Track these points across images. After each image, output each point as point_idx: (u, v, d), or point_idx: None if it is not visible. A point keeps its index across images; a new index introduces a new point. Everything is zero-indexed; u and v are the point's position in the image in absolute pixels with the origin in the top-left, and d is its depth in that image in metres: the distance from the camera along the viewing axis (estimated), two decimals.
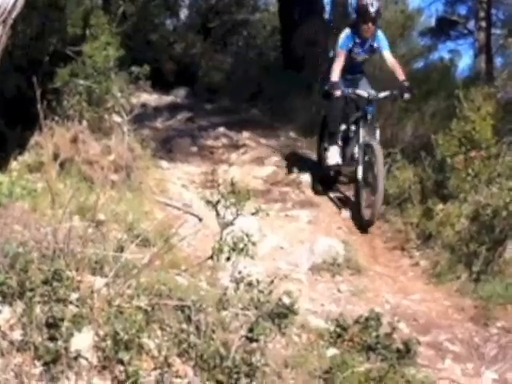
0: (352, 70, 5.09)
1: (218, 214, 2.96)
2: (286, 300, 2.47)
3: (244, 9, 11.43)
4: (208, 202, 2.99)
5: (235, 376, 2.25)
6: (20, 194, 3.32)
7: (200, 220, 4.33)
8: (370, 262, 4.43)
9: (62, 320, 2.16)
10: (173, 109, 7.67)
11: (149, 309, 2.35)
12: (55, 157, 4.16)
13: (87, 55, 4.66)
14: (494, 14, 11.42)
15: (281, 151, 6.14)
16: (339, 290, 3.94)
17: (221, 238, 2.84)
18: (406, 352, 2.67)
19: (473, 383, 3.01)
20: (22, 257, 2.31)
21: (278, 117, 7.08)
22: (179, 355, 2.32)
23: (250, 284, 2.50)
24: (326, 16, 9.96)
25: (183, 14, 11.46)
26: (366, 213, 4.70)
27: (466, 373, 3.13)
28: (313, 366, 2.58)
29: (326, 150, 5.20)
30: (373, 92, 4.88)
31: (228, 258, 2.81)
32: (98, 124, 4.62)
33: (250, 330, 2.38)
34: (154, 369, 2.26)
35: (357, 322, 2.83)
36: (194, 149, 6.25)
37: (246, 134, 6.58)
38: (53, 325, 2.16)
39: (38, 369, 2.13)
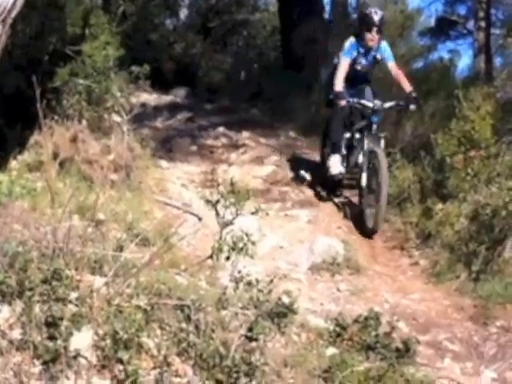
0: (356, 80, 5.03)
1: (217, 214, 2.96)
2: (286, 299, 2.47)
3: (244, 9, 11.44)
4: (208, 202, 2.99)
5: (235, 375, 2.25)
6: (19, 193, 3.32)
7: (200, 219, 4.33)
8: (370, 261, 4.43)
9: (62, 319, 2.16)
10: (172, 108, 7.67)
11: (148, 308, 2.35)
12: (55, 156, 4.16)
13: (87, 55, 4.66)
14: (493, 13, 11.42)
15: (280, 151, 6.14)
16: (339, 290, 3.95)
17: (220, 238, 2.84)
18: (405, 351, 2.67)
19: (472, 382, 3.01)
20: (22, 256, 2.31)
21: (277, 116, 7.08)
22: (179, 354, 2.32)
23: (249, 283, 2.50)
24: (326, 16, 9.98)
25: (183, 13, 11.46)
26: (370, 221, 4.64)
27: (465, 372, 3.14)
28: (312, 365, 2.58)
29: (328, 158, 5.11)
30: (378, 102, 4.81)
31: (227, 258, 2.81)
32: (97, 123, 4.62)
33: (250, 330, 2.39)
34: (154, 368, 2.26)
35: (356, 321, 2.84)
36: (194, 148, 6.25)
37: (245, 133, 6.58)
38: (52, 324, 2.16)
39: (37, 368, 2.13)
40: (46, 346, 2.12)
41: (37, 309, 2.18)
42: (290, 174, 5.64)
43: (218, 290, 2.74)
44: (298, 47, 8.16)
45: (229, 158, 6.00)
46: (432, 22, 12.88)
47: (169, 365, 2.26)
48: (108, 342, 2.20)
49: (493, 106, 4.76)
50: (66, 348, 2.13)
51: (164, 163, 5.56)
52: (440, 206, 4.57)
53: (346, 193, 5.27)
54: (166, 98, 8.25)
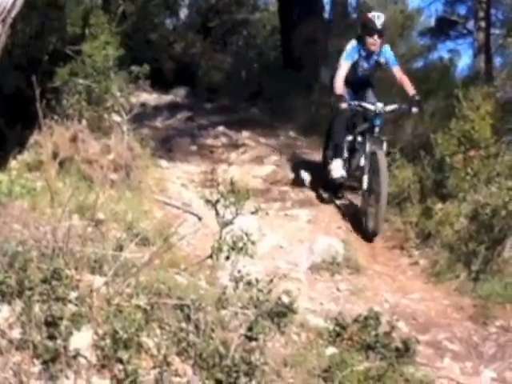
0: (358, 82, 4.99)
1: (217, 213, 2.96)
2: (286, 299, 2.47)
3: (244, 8, 11.44)
4: (207, 201, 2.99)
5: (234, 375, 2.25)
6: (19, 192, 3.32)
7: (199, 219, 4.33)
8: (370, 261, 4.44)
9: (61, 319, 2.16)
10: (172, 108, 7.67)
11: (148, 308, 2.35)
12: (54, 156, 4.16)
13: (87, 54, 4.66)
14: (493, 14, 11.42)
15: (280, 150, 6.14)
16: (338, 289, 3.95)
17: (220, 237, 2.84)
18: (405, 351, 2.67)
19: (471, 382, 3.02)
20: (21, 256, 2.31)
21: (277, 116, 7.08)
22: (178, 354, 2.33)
23: (249, 283, 2.50)
24: (326, 16, 9.99)
25: (183, 13, 11.47)
26: (370, 223, 4.61)
27: (464, 371, 3.14)
28: (312, 365, 2.58)
29: (330, 161, 5.06)
30: (380, 105, 4.74)
31: (227, 257, 2.81)
32: (97, 123, 4.62)
33: (250, 329, 2.39)
34: (153, 367, 2.26)
35: (356, 320, 2.84)
36: (194, 148, 6.25)
37: (245, 133, 6.58)
38: (52, 323, 2.16)
39: (36, 367, 2.13)
40: (46, 346, 2.12)
41: (36, 308, 2.19)
42: (290, 174, 5.63)
43: (217, 289, 2.74)
44: (297, 47, 8.16)
45: (229, 158, 6.00)
46: (432, 22, 12.90)
47: (168, 364, 2.26)
48: (108, 341, 2.20)
49: (492, 106, 4.76)
50: (65, 347, 2.13)
51: (164, 163, 5.56)
52: (440, 205, 4.57)
53: (348, 195, 5.22)
54: (166, 98, 8.25)
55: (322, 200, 5.19)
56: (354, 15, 12.09)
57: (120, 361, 2.19)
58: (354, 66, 4.93)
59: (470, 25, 12.42)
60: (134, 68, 4.66)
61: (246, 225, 2.98)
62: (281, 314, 2.42)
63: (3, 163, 4.06)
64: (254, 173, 5.64)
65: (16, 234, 2.55)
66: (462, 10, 12.69)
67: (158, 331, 2.37)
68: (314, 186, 5.40)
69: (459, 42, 13.11)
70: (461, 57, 12.76)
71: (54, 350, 2.12)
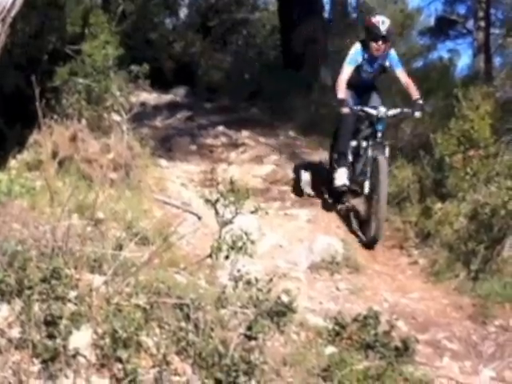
0: (362, 86, 4.92)
1: (217, 213, 2.96)
2: (285, 298, 2.48)
3: (243, 8, 11.44)
4: (207, 201, 2.99)
5: (234, 374, 2.26)
6: (19, 192, 3.32)
7: (199, 218, 4.33)
8: (369, 260, 4.44)
9: (61, 318, 2.17)
10: (172, 107, 7.67)
11: (147, 307, 2.35)
12: (54, 155, 4.16)
13: (86, 54, 4.65)
14: (493, 13, 11.43)
15: (280, 150, 6.14)
16: (338, 289, 3.95)
17: (220, 237, 2.84)
18: (404, 350, 2.68)
19: (471, 381, 3.02)
20: (21, 255, 2.31)
21: (277, 116, 7.08)
22: (178, 353, 2.33)
23: (248, 282, 2.51)
24: (326, 15, 9.99)
25: (183, 12, 11.47)
26: (371, 230, 4.54)
27: (463, 371, 3.15)
28: (311, 364, 2.58)
29: (335, 169, 4.96)
30: (382, 109, 4.67)
31: (227, 257, 2.81)
32: (97, 123, 4.62)
33: (249, 328, 2.39)
34: (153, 367, 2.27)
35: (355, 320, 2.84)
36: (194, 147, 6.25)
37: (245, 132, 6.58)
38: (51, 323, 2.16)
39: (36, 366, 2.13)
40: (45, 345, 2.12)
41: (36, 307, 2.19)
42: (290, 174, 5.63)
43: (217, 288, 2.74)
44: (297, 46, 8.16)
45: (228, 157, 6.00)
46: (432, 22, 12.91)
47: (168, 363, 2.26)
48: (107, 340, 2.20)
49: (492, 106, 4.76)
50: (65, 347, 2.14)
51: (163, 162, 5.56)
52: (439, 205, 4.57)
53: (352, 199, 5.09)
54: (166, 97, 8.25)
55: (325, 205, 5.08)
56: (354, 15, 12.11)
57: (119, 360, 2.19)
58: (358, 70, 4.84)
59: (470, 24, 12.43)
60: (134, 67, 4.66)
61: (245, 224, 2.98)
62: (280, 313, 2.42)
63: (3, 162, 4.06)
64: (253, 172, 5.64)
65: (15, 233, 2.55)
66: (461, 9, 12.72)
67: (157, 330, 2.37)
68: (314, 186, 5.38)
69: (459, 42, 13.14)
70: (460, 56, 12.79)
71: (54, 349, 2.12)
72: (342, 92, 4.73)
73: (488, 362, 3.23)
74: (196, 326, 2.37)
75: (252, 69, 9.47)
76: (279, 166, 5.77)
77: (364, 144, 4.84)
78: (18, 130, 4.33)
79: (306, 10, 8.25)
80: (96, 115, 4.62)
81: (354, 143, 4.94)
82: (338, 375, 2.49)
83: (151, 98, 7.92)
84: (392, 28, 4.92)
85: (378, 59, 4.85)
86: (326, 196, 5.18)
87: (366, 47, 4.80)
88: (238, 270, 2.59)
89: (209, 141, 6.44)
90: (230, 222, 2.90)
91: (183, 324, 2.38)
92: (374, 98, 4.96)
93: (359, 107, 4.75)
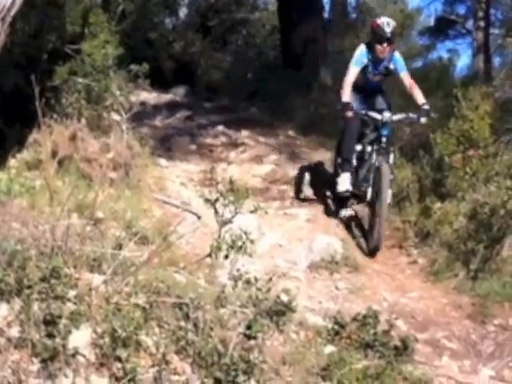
0: (368, 89, 4.86)
1: (216, 212, 2.96)
2: (284, 298, 2.48)
3: (243, 8, 11.44)
4: (207, 200, 2.99)
5: (233, 373, 2.26)
6: (18, 191, 3.32)
7: (198, 218, 4.33)
8: (368, 260, 4.44)
9: (60, 317, 2.17)
10: (172, 107, 7.67)
11: (147, 306, 2.35)
12: (54, 154, 4.16)
13: (86, 53, 4.65)
14: (492, 13, 11.41)
15: (280, 150, 6.14)
16: (337, 288, 3.95)
17: (219, 236, 2.84)
18: (403, 349, 2.68)
19: (470, 380, 3.02)
20: (20, 254, 2.31)
21: (277, 115, 7.08)
22: (177, 352, 2.33)
23: (248, 282, 2.51)
24: (326, 15, 9.99)
25: (182, 12, 11.47)
26: (373, 239, 4.47)
27: (463, 370, 3.15)
28: (310, 363, 2.59)
29: (339, 173, 4.88)
30: (387, 114, 4.58)
31: (226, 256, 2.81)
32: (96, 122, 4.62)
33: (248, 328, 2.39)
34: (152, 366, 2.27)
35: (355, 319, 2.85)
36: (193, 147, 6.25)
37: (245, 132, 6.58)
38: (50, 322, 2.16)
39: (35, 366, 2.13)
40: (45, 344, 2.13)
41: (35, 307, 2.19)
42: (290, 174, 5.63)
43: (216, 288, 2.75)
44: (297, 46, 8.17)
45: (228, 157, 6.00)
46: (431, 22, 12.92)
47: (167, 363, 2.27)
48: (106, 340, 2.20)
49: (491, 106, 4.77)
50: (64, 346, 2.14)
51: (163, 162, 5.56)
52: (439, 204, 4.57)
53: (355, 206, 4.99)
54: (166, 97, 8.25)
55: (327, 211, 5.00)
56: (354, 15, 12.11)
57: (119, 359, 2.19)
58: (363, 72, 4.78)
59: (470, 24, 12.43)
60: (134, 67, 4.66)
61: (245, 224, 2.98)
62: (279, 312, 2.43)
63: (2, 162, 4.06)
64: (253, 172, 5.64)
65: (15, 233, 2.55)
66: (461, 9, 12.71)
67: (156, 330, 2.38)
68: (314, 188, 5.34)
69: (458, 42, 13.15)
70: (460, 56, 12.79)
71: (53, 349, 2.12)
72: (347, 95, 4.66)
73: (487, 361, 3.23)
74: (195, 326, 2.37)
75: (252, 68, 9.48)
76: (279, 166, 5.78)
77: (369, 149, 4.76)
78: (18, 130, 4.33)
79: (306, 10, 8.25)
80: (96, 114, 4.62)
81: (358, 147, 4.84)
82: (337, 374, 2.49)
83: (151, 97, 7.92)
84: (396, 29, 4.85)
85: (383, 61, 4.78)
86: (329, 201, 5.12)
87: (370, 49, 4.75)
88: (238, 270, 2.60)
89: (208, 140, 6.44)
90: (230, 221, 2.91)
91: (182, 323, 2.39)
92: (380, 102, 4.88)
93: (364, 111, 4.67)
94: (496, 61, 11.81)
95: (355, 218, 4.89)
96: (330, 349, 2.75)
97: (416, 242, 4.57)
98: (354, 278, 4.09)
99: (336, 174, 4.98)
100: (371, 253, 4.47)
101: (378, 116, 4.63)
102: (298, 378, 2.51)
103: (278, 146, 6.28)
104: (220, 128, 6.72)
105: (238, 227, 2.80)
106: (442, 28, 12.55)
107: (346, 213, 4.89)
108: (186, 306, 2.42)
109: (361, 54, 4.77)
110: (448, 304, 3.85)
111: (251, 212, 3.05)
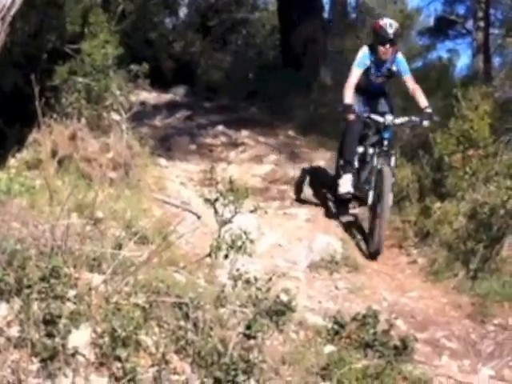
0: (371, 91, 4.83)
1: (216, 212, 2.96)
2: (284, 297, 2.48)
3: (243, 8, 11.44)
4: (206, 200, 2.99)
5: (233, 373, 2.26)
6: (18, 190, 3.32)
7: (198, 218, 4.34)
8: (368, 259, 4.44)
9: (60, 317, 2.17)
10: (172, 107, 7.67)
11: (146, 306, 2.35)
12: (53, 154, 4.17)
13: (86, 53, 4.65)
14: (492, 13, 11.41)
15: (279, 149, 6.15)
16: (337, 288, 3.96)
17: (219, 236, 2.84)
18: (403, 349, 2.68)
19: (469, 380, 3.02)
20: (20, 254, 2.31)
21: (276, 115, 7.08)
22: (177, 352, 2.33)
23: (247, 281, 2.51)
24: (325, 15, 10.00)
25: (182, 12, 11.48)
26: (373, 243, 4.45)
27: (462, 369, 3.15)
28: (310, 363, 2.59)
29: (341, 175, 4.86)
30: (389, 117, 4.56)
31: (226, 256, 2.81)
32: (96, 122, 4.62)
33: (248, 327, 2.39)
34: (152, 366, 2.27)
35: (354, 319, 2.85)
36: (193, 147, 6.25)
37: (244, 132, 6.58)
38: (50, 321, 2.16)
39: (35, 365, 2.13)
40: (44, 344, 2.13)
41: (35, 306, 2.19)
42: (289, 173, 5.63)
43: (216, 287, 2.75)
44: (297, 46, 8.17)
45: (228, 157, 6.01)
46: (431, 22, 12.92)
47: (167, 362, 2.27)
48: (106, 339, 2.20)
49: (491, 106, 4.77)
50: (63, 346, 2.14)
51: (163, 161, 5.56)
52: (438, 204, 4.58)
53: (357, 208, 4.98)
54: (165, 97, 8.25)
55: (328, 213, 4.97)
56: (354, 15, 12.12)
57: (118, 359, 2.19)
58: (366, 74, 4.74)
59: (469, 24, 12.43)
60: (134, 67, 4.66)
61: (244, 223, 2.98)
62: (279, 312, 2.43)
63: (2, 161, 4.06)
64: (253, 172, 5.64)
65: (14, 232, 2.55)
66: (461, 9, 12.71)
67: (156, 329, 2.38)
68: (314, 189, 5.33)
69: (458, 42, 13.17)
70: (460, 56, 12.81)
71: (53, 348, 2.12)
72: (349, 97, 4.62)
73: (487, 360, 3.23)
74: (195, 325, 2.37)
75: (251, 68, 9.48)
76: (278, 166, 5.78)
77: (371, 151, 4.74)
78: (18, 129, 4.33)
79: (306, 10, 8.25)
80: (95, 114, 4.62)
81: (360, 149, 4.82)
82: (336, 374, 2.49)
83: (151, 97, 7.92)
84: (399, 30, 4.82)
85: (386, 63, 4.76)
86: (330, 203, 5.10)
87: (373, 51, 4.72)
88: (237, 269, 2.59)
89: (208, 140, 6.44)
90: (230, 221, 2.90)
91: (182, 323, 2.39)
92: (383, 104, 4.86)
93: (366, 114, 4.65)
94: (496, 61, 11.82)
95: (356, 222, 4.87)
96: (329, 348, 2.75)
97: (416, 241, 4.57)
98: (354, 278, 4.09)
99: (337, 176, 4.96)
100: (372, 256, 4.45)
101: (380, 119, 4.60)
102: (298, 378, 2.51)
103: (277, 145, 6.28)
104: (220, 128, 6.72)
105: (238, 227, 2.80)
106: (442, 28, 12.55)
107: (346, 219, 4.89)
108: (186, 305, 2.42)
109: (363, 55, 4.74)
110: (448, 304, 3.86)
111: (251, 212, 3.04)
